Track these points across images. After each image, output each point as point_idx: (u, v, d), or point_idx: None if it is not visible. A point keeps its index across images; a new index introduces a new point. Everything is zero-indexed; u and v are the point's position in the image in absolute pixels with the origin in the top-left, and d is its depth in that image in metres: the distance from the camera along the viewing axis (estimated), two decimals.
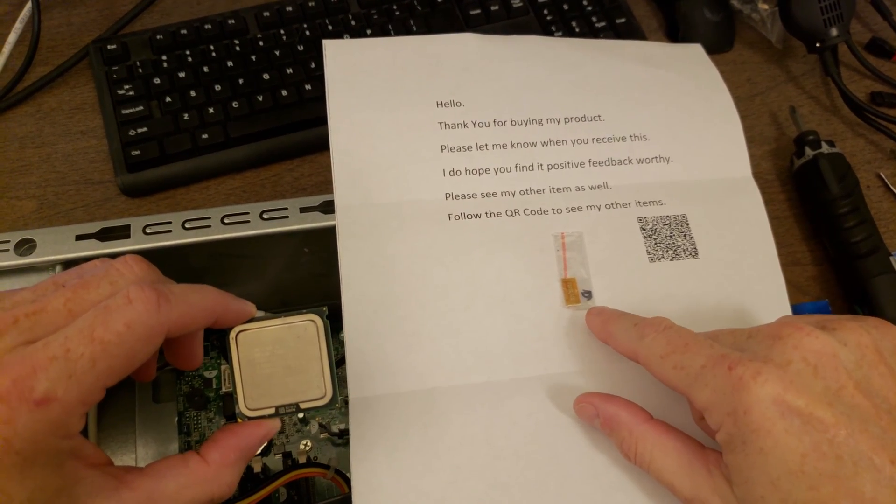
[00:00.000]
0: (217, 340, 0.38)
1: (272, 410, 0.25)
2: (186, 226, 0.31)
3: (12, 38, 0.46)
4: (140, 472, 0.23)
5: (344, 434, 0.37)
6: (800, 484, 0.21)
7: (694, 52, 0.38)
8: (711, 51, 0.40)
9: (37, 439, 0.19)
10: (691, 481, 0.25)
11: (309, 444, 0.37)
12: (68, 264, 0.31)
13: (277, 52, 0.47)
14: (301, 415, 0.38)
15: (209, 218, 0.32)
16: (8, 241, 0.31)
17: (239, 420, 0.25)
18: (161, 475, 0.23)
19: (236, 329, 0.25)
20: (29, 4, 0.47)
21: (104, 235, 0.31)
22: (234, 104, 0.45)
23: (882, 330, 0.24)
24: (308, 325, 0.25)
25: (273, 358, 0.25)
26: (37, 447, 0.19)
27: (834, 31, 0.48)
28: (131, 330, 0.20)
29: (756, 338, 0.24)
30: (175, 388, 0.38)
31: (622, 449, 0.27)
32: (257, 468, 0.35)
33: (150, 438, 0.37)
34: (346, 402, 0.30)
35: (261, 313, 0.26)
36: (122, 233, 0.31)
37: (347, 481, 0.31)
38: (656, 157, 0.34)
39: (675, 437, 0.26)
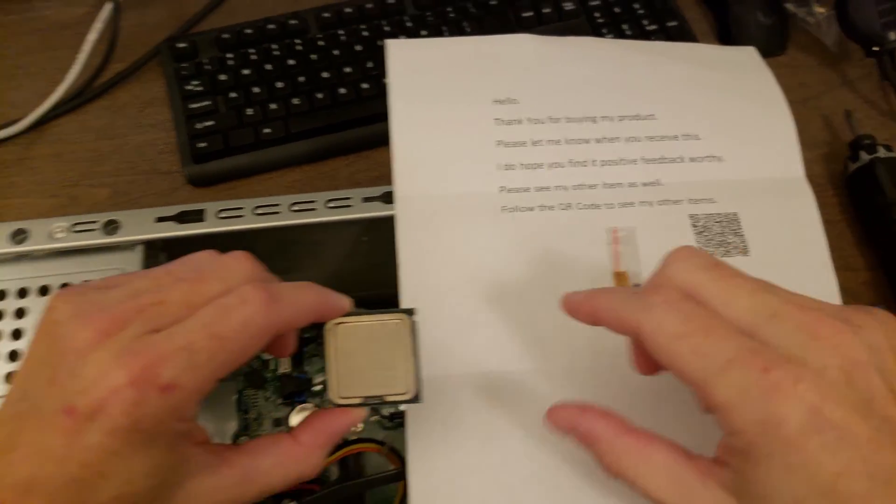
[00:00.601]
0: None
1: (360, 400, 0.26)
2: (257, 211, 0.34)
3: (92, 37, 0.50)
4: (237, 449, 0.25)
5: (394, 418, 0.39)
6: None
7: (747, 55, 0.39)
8: (764, 54, 0.41)
9: (160, 421, 0.21)
10: (683, 498, 0.23)
11: (360, 425, 0.39)
12: (149, 244, 0.34)
13: (336, 52, 0.49)
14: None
15: (279, 205, 0.34)
16: (96, 222, 0.34)
17: (328, 406, 0.27)
18: (256, 453, 0.25)
19: (333, 321, 0.26)
20: (108, 6, 0.51)
21: (182, 218, 0.34)
22: (295, 100, 0.48)
23: (892, 325, 0.22)
24: (399, 324, 0.26)
25: (364, 351, 0.26)
26: (159, 428, 0.21)
27: (892, 35, 0.48)
28: (246, 328, 0.22)
29: (783, 324, 0.22)
30: (236, 373, 0.40)
31: (603, 464, 0.25)
32: None
33: (211, 415, 0.40)
34: None
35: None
36: (198, 216, 0.34)
37: (401, 459, 0.33)
38: (708, 156, 0.35)
39: (661, 447, 0.24)
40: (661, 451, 0.24)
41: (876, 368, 0.21)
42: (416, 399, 0.26)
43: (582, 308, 0.26)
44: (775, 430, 0.20)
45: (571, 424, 0.26)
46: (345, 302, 0.27)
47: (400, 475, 0.31)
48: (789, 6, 0.53)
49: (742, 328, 0.22)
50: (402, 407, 0.31)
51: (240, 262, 0.24)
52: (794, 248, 0.33)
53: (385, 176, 0.37)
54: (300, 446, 0.26)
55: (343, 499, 0.33)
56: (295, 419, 0.38)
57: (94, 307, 0.22)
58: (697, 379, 0.22)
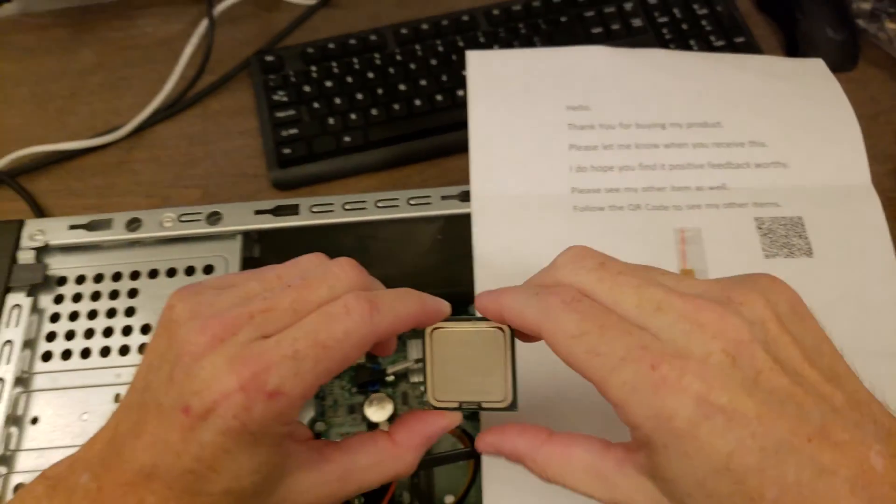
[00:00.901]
0: None
1: (456, 404, 0.28)
2: (346, 207, 0.38)
3: (188, 51, 0.55)
4: (336, 446, 0.27)
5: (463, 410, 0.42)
6: (726, 480, 0.21)
7: (814, 66, 0.41)
8: (834, 69, 0.43)
9: (266, 425, 0.23)
10: (605, 489, 0.25)
11: None
12: (247, 234, 0.38)
13: (413, 66, 0.53)
14: (424, 388, 0.43)
15: (365, 201, 0.38)
16: (200, 213, 0.39)
17: (426, 407, 0.29)
18: (355, 450, 0.27)
19: (433, 326, 0.28)
20: (203, 22, 0.56)
21: (278, 212, 0.38)
22: (374, 111, 0.52)
23: (776, 292, 0.24)
24: (497, 333, 0.27)
25: (462, 357, 0.28)
26: (265, 431, 0.23)
27: None
28: (348, 337, 0.24)
29: (667, 316, 0.23)
30: None
31: (534, 474, 0.27)
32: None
33: None
34: None
35: None
36: (293, 210, 0.38)
37: (471, 440, 0.36)
38: (774, 163, 0.37)
39: (579, 446, 0.26)
40: (580, 450, 0.26)
41: (760, 343, 0.22)
42: (512, 407, 0.27)
43: (489, 308, 0.27)
44: (667, 424, 0.21)
45: (496, 448, 0.28)
46: (444, 307, 0.28)
47: (472, 454, 0.34)
48: (860, 22, 0.55)
49: (634, 323, 0.23)
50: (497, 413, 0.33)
51: (345, 271, 0.26)
52: (859, 251, 0.35)
53: (455, 183, 0.40)
54: (397, 446, 0.27)
55: (416, 474, 0.36)
56: (369, 409, 0.41)
57: (209, 310, 0.24)
58: (594, 378, 0.23)
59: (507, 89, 0.39)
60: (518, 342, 0.28)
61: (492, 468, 0.32)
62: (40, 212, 0.51)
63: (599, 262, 0.25)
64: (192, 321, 0.24)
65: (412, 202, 0.38)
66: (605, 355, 0.23)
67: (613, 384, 0.23)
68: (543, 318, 0.24)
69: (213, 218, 0.39)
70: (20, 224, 0.40)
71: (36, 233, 0.40)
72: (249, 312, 0.24)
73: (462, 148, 0.52)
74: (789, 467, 0.21)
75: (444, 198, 0.38)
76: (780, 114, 0.39)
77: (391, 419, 0.42)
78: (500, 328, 0.27)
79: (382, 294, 0.26)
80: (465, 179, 0.40)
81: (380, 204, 0.38)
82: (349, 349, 0.24)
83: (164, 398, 0.23)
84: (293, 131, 0.51)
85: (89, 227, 0.40)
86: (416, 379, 0.42)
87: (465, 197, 0.38)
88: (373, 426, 0.41)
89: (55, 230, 0.40)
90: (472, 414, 0.39)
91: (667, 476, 0.23)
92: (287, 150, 0.51)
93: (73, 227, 0.40)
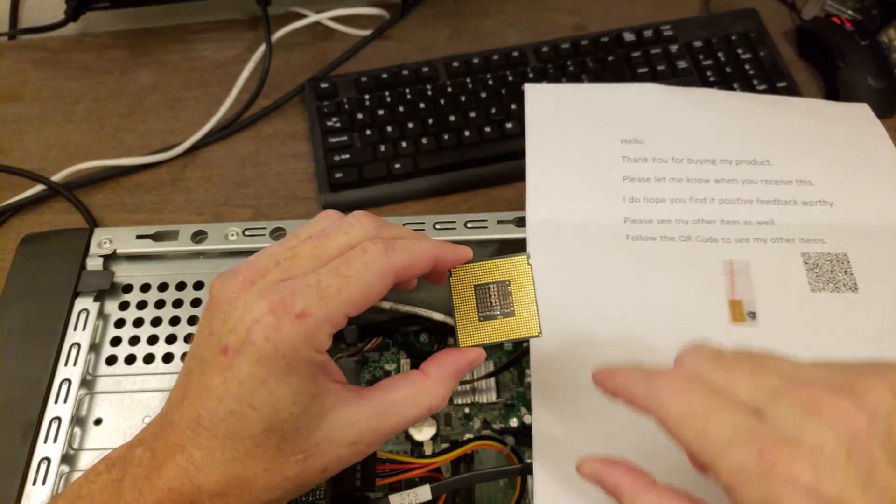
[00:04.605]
0: (400, 337, 0.47)
1: (485, 342, 0.31)
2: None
3: (244, 75, 0.59)
4: (373, 387, 0.30)
5: (504, 432, 0.44)
6: None
7: (860, 110, 0.45)
8: None
9: (296, 346, 0.25)
10: None
11: (472, 437, 0.44)
12: None
13: (463, 98, 0.57)
14: (467, 410, 0.45)
15: (423, 223, 0.41)
16: (264, 228, 0.42)
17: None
18: (390, 388, 0.29)
19: (456, 269, 0.31)
20: (260, 48, 0.61)
21: None
22: (424, 140, 0.55)
23: None
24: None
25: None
26: (296, 355, 0.25)
27: None
28: (367, 268, 0.27)
29: (783, 400, 0.24)
30: (359, 377, 0.47)
31: None
32: (428, 451, 0.43)
33: None
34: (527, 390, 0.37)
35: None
36: None
37: (520, 460, 0.38)
38: (820, 201, 0.40)
39: (677, 501, 0.27)
40: None
41: (878, 438, 0.22)
42: (537, 336, 0.31)
43: (603, 386, 0.30)
44: None
45: (599, 478, 0.29)
46: (463, 251, 0.31)
47: (523, 470, 0.36)
48: None
49: (746, 407, 0.24)
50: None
51: (358, 219, 0.29)
52: None
53: (504, 212, 0.43)
54: (428, 377, 0.30)
55: (457, 492, 0.38)
56: (413, 427, 0.43)
57: (239, 267, 0.28)
58: (704, 461, 0.25)
59: (563, 121, 0.43)
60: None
61: (544, 487, 0.34)
62: (95, 224, 0.55)
63: (716, 353, 0.27)
64: (225, 279, 0.27)
65: (469, 225, 0.41)
66: (711, 438, 0.24)
67: (723, 468, 0.24)
68: (652, 400, 0.26)
69: (277, 234, 0.42)
70: (90, 232, 0.44)
71: (104, 241, 0.43)
72: (276, 260, 0.27)
73: (509, 178, 0.55)
74: None
75: (500, 222, 0.41)
76: (827, 154, 0.42)
77: (434, 439, 0.45)
78: (520, 261, 0.31)
79: (398, 238, 0.29)
80: (511, 209, 0.43)
81: (438, 226, 0.41)
82: (369, 279, 0.27)
83: (206, 351, 0.26)
84: (345, 156, 0.55)
85: (156, 237, 0.43)
86: (458, 401, 0.44)
87: (520, 222, 0.41)
88: (417, 444, 0.43)
89: (123, 239, 0.43)
90: (520, 437, 0.41)
91: None
92: (338, 175, 0.54)
93: (140, 236, 0.43)
